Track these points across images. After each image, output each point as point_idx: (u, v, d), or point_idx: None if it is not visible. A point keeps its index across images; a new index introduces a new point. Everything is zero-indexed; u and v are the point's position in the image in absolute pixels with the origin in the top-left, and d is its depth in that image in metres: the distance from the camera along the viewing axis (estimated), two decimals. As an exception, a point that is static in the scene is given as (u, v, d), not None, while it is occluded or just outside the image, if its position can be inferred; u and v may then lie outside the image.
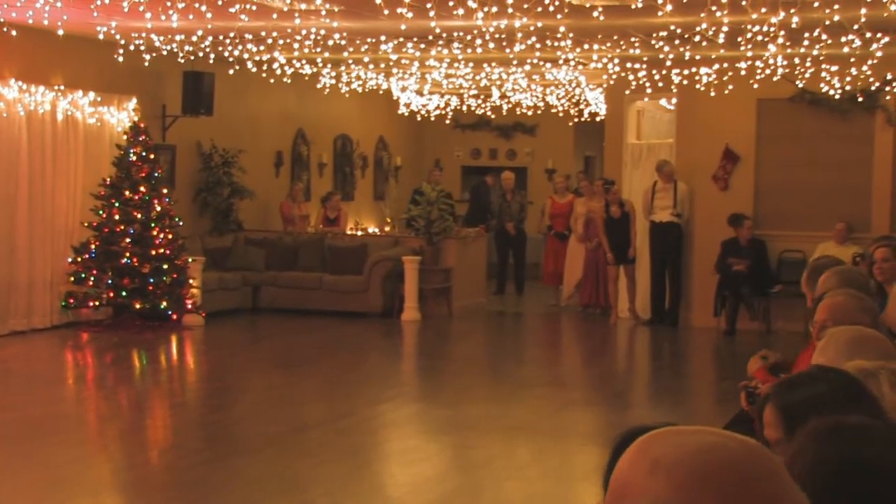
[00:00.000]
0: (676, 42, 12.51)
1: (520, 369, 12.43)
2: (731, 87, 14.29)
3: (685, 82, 14.74)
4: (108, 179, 13.55)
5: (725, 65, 14.08)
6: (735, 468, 1.33)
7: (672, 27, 11.45)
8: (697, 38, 12.04)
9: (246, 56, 14.84)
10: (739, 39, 11.92)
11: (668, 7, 10.06)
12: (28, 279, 13.08)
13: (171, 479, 7.61)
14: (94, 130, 13.92)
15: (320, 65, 16.25)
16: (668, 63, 14.03)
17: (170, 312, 13.58)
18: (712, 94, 14.44)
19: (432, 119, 21.99)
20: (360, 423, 9.25)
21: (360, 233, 17.91)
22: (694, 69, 14.43)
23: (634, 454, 1.37)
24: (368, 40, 13.27)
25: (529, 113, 21.31)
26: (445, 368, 12.53)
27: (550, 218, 17.61)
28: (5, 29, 11.75)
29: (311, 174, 18.98)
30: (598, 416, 9.91)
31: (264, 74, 15.69)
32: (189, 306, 13.78)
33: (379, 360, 13.09)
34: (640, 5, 9.86)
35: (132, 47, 13.24)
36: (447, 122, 22.44)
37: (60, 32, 11.60)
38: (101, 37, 12.42)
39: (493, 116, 22.14)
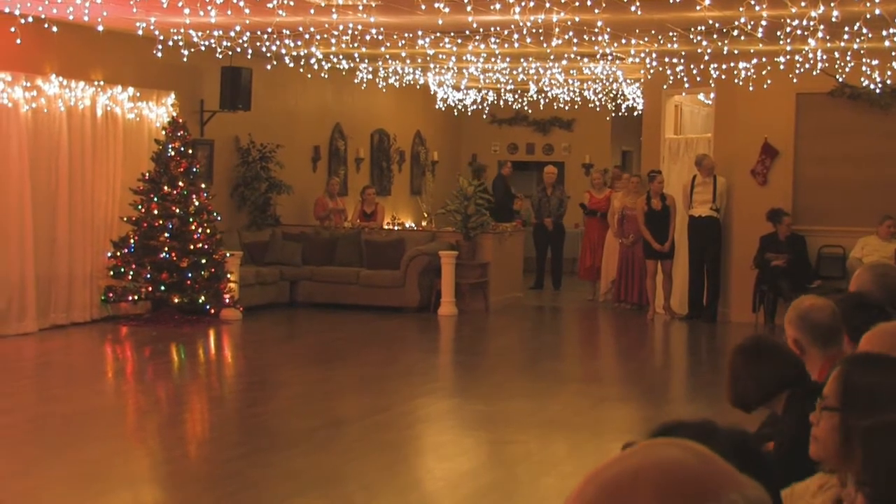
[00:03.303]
0: (715, 36, 12.43)
1: (556, 364, 12.40)
2: (769, 81, 14.19)
3: (723, 77, 14.64)
4: (147, 174, 13.66)
5: (764, 59, 13.97)
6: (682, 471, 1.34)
7: (710, 21, 11.38)
8: (736, 33, 11.96)
9: (283, 51, 14.90)
10: (779, 33, 11.83)
11: (707, 1, 10.00)
12: (68, 273, 13.20)
13: (208, 472, 7.66)
14: (132, 126, 14.02)
15: (357, 60, 16.29)
16: (707, 57, 13.94)
17: (208, 307, 13.66)
18: (751, 88, 14.33)
19: (469, 114, 22.00)
20: (396, 417, 9.27)
21: (396, 227, 17.94)
22: (732, 64, 14.33)
23: (587, 489, 1.36)
24: (406, 35, 13.28)
25: (566, 108, 21.27)
26: (482, 363, 12.53)
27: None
28: (46, 25, 11.87)
29: (349, 169, 19.03)
30: (635, 412, 9.87)
31: (301, 69, 15.74)
32: (227, 301, 13.86)
33: (415, 354, 13.10)
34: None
35: (171, 43, 13.34)
36: (484, 116, 22.45)
37: (100, 28, 11.70)
38: (139, 33, 12.51)
39: (529, 111, 22.11)
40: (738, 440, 1.68)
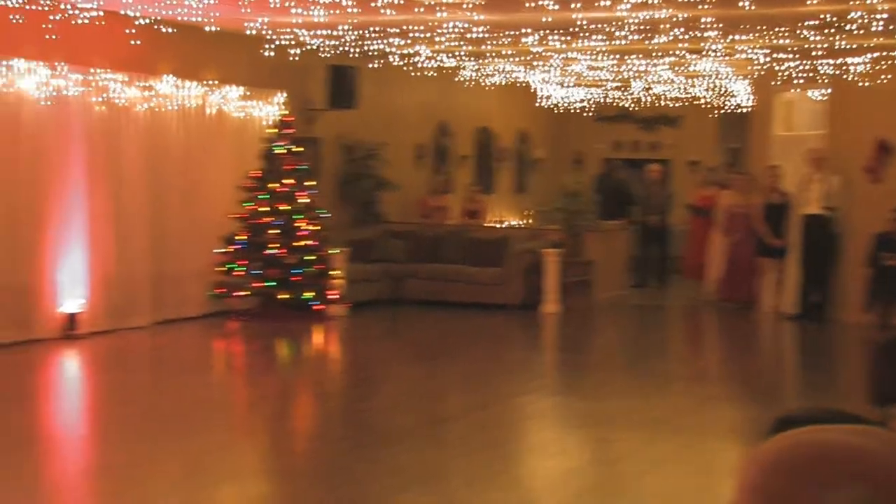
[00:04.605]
0: (827, 31, 12.16)
1: (660, 363, 12.29)
2: (889, 76, 13.81)
3: (836, 72, 14.32)
4: (256, 172, 13.87)
5: (879, 54, 13.62)
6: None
7: (822, 15, 11.14)
8: (850, 27, 11.68)
9: (389, 50, 15.01)
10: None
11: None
12: (180, 269, 13.50)
13: (314, 466, 7.76)
14: (242, 124, 14.27)
15: (462, 58, 16.33)
16: (819, 53, 13.65)
17: (314, 303, 13.82)
18: (866, 84, 13.99)
19: (573, 111, 21.90)
20: (499, 415, 9.28)
21: (500, 225, 17.94)
22: (845, 59, 14.00)
23: (787, 464, 1.33)
24: (510, 33, 13.27)
25: (672, 105, 21.04)
26: (585, 361, 12.48)
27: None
28: (157, 27, 12.14)
29: (453, 167, 19.09)
30: (742, 412, 9.72)
31: (406, 68, 15.82)
32: (333, 297, 14.00)
33: (519, 352, 13.10)
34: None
35: (280, 42, 13.54)
36: (588, 114, 22.32)
37: (213, 28, 11.93)
38: (250, 32, 12.73)
39: (634, 108, 21.92)
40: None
